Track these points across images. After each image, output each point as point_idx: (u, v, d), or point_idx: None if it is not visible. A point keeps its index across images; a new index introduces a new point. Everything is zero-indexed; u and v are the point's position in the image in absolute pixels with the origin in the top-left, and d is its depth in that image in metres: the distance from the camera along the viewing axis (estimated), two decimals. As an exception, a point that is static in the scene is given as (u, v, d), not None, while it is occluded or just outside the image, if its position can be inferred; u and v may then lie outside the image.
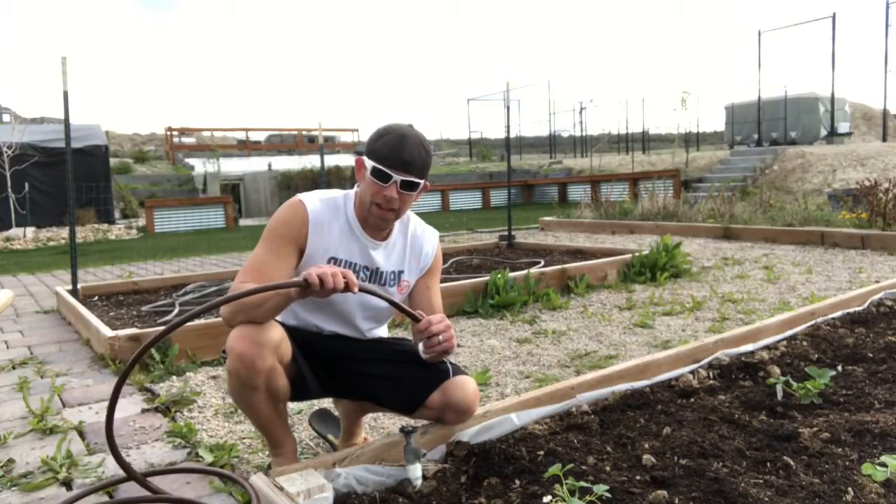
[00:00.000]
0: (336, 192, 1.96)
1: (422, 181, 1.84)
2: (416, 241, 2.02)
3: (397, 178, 1.79)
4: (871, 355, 2.80)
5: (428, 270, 2.04)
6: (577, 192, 15.96)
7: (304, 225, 1.85)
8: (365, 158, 1.84)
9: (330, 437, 2.29)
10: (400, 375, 1.93)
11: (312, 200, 1.89)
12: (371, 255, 1.93)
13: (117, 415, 2.63)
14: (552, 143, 26.07)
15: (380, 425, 2.47)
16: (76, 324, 4.20)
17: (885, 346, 2.92)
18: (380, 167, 1.79)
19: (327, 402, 2.56)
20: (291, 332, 1.90)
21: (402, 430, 1.80)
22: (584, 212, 10.90)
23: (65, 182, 4.94)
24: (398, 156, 1.78)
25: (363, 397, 2.04)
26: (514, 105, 24.81)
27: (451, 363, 1.94)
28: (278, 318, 1.87)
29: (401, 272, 1.99)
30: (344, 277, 1.61)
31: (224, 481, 2.00)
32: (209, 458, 2.14)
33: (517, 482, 1.76)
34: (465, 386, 1.91)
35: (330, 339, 1.98)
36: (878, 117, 21.80)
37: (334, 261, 1.89)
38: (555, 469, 1.63)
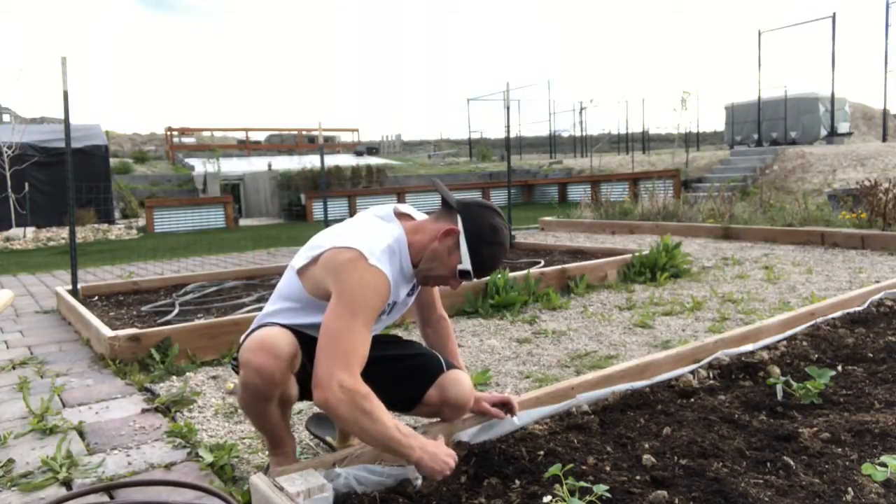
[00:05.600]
0: (389, 239, 1.81)
1: None
2: None
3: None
4: (871, 355, 2.80)
5: None
6: (577, 192, 15.96)
7: (389, 294, 1.78)
8: (465, 249, 1.81)
9: (328, 439, 2.29)
10: (396, 374, 1.94)
11: (384, 264, 1.76)
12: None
13: (117, 415, 2.63)
14: (552, 143, 26.05)
15: (380, 425, 2.47)
16: (76, 324, 4.20)
17: (885, 346, 2.92)
18: (473, 275, 1.85)
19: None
20: (296, 333, 1.88)
21: (401, 430, 1.80)
22: (584, 212, 10.90)
23: (65, 182, 4.94)
24: (492, 270, 1.90)
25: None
26: (514, 105, 24.82)
27: (442, 357, 2.00)
28: (282, 320, 1.86)
29: (415, 285, 2.02)
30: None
31: (224, 481, 2.01)
32: (209, 458, 2.14)
33: (517, 482, 1.76)
34: (461, 382, 1.96)
35: None
36: (878, 117, 21.81)
37: (390, 305, 1.87)
38: (555, 469, 1.63)
